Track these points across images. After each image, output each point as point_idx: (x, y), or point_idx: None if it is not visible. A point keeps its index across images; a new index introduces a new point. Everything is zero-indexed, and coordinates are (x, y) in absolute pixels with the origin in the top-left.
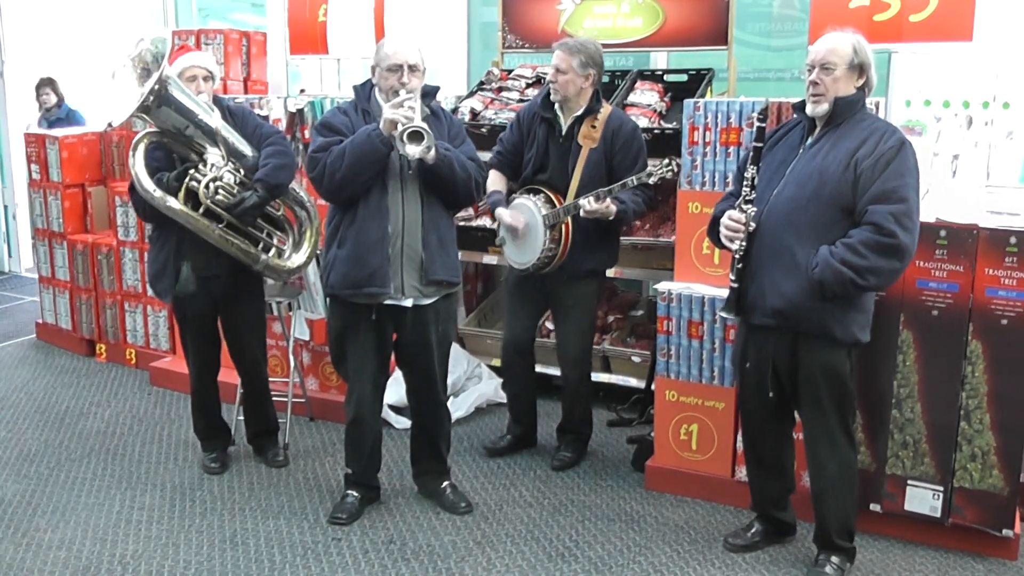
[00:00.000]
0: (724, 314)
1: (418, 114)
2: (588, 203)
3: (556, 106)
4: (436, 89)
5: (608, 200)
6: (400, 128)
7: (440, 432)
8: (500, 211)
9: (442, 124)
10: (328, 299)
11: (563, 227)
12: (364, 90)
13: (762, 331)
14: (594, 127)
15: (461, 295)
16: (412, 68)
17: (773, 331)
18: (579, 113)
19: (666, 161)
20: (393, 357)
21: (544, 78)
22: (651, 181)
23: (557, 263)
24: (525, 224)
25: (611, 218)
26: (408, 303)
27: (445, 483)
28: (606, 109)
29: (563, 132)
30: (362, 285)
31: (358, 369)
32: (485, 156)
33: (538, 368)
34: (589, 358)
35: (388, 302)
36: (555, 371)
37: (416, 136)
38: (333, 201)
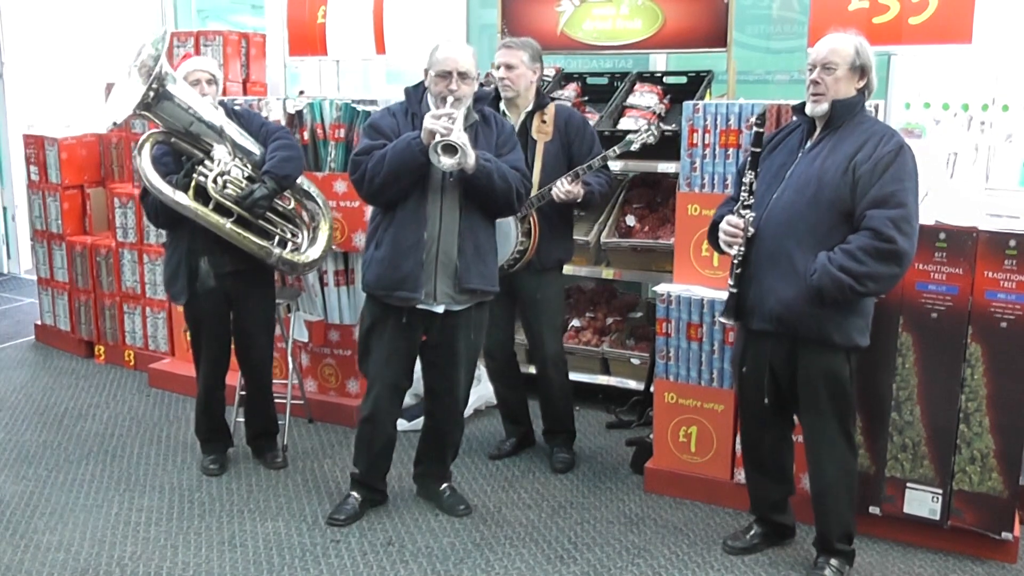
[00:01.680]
0: (723, 319)
1: (459, 124)
2: (562, 184)
3: (502, 107)
4: (489, 94)
5: (579, 182)
6: (436, 139)
7: (449, 440)
8: None
9: (491, 131)
10: (365, 297)
11: (531, 219)
12: (416, 93)
13: (761, 336)
14: (544, 121)
15: None
16: (462, 75)
17: (772, 336)
18: (529, 109)
19: (644, 125)
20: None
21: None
22: (634, 148)
23: (528, 257)
24: None
25: (579, 200)
26: (439, 309)
27: (444, 485)
28: (551, 103)
29: (515, 129)
30: (394, 288)
31: (380, 368)
32: None
33: (528, 369)
34: (564, 354)
35: (420, 307)
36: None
37: (450, 149)
38: (373, 204)
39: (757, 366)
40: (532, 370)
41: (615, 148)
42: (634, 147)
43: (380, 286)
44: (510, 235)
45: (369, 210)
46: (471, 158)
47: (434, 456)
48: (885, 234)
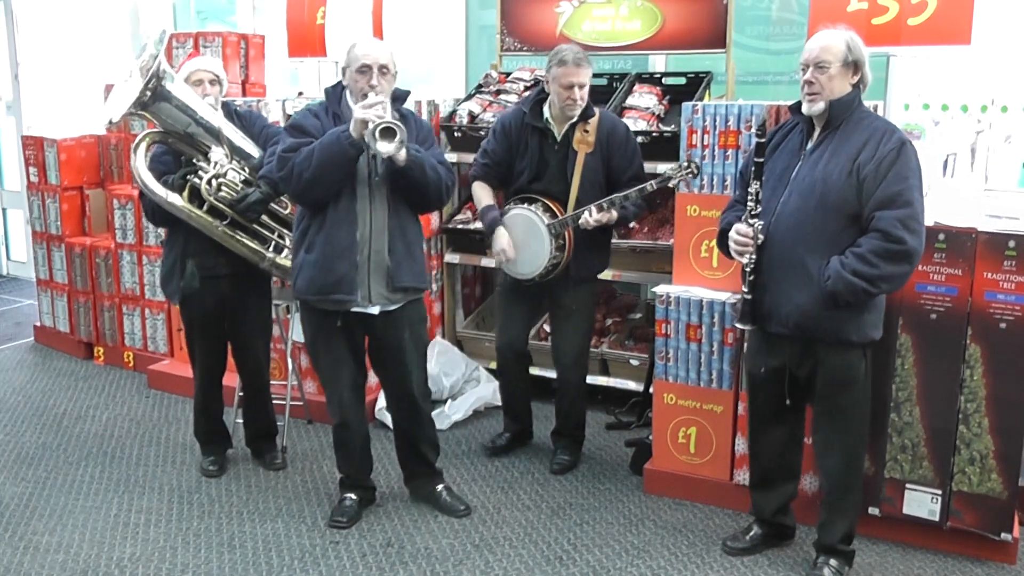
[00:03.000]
0: (740, 326)
1: (388, 114)
2: (592, 214)
3: (547, 114)
4: (406, 94)
5: (613, 210)
6: (371, 126)
7: (420, 436)
8: (500, 234)
9: (411, 128)
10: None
11: (566, 234)
12: (335, 92)
13: (778, 339)
14: (587, 131)
15: (460, 298)
16: (382, 69)
17: (788, 338)
18: (573, 120)
19: (684, 163)
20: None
21: (541, 81)
22: (671, 185)
23: (561, 270)
24: (516, 253)
25: (612, 224)
26: (375, 311)
27: (440, 487)
28: (596, 113)
29: (558, 139)
30: (329, 292)
31: (333, 374)
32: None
33: (534, 371)
34: (587, 360)
35: (355, 309)
36: (551, 374)
37: (388, 132)
38: (300, 203)
39: (777, 368)
40: (541, 372)
41: (653, 182)
42: (672, 183)
43: (313, 290)
44: (543, 249)
45: None
46: (407, 146)
47: (413, 456)
48: (894, 235)
